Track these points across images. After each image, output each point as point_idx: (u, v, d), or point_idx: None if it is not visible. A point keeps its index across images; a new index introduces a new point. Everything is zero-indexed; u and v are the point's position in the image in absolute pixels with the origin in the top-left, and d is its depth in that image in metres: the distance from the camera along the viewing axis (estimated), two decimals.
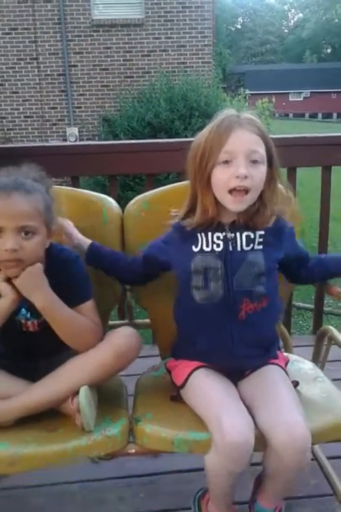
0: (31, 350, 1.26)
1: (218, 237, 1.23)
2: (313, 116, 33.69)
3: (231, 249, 1.22)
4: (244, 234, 1.23)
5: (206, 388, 1.20)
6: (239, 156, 1.16)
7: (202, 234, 1.24)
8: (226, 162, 1.17)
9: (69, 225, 1.40)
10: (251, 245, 1.22)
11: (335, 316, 3.86)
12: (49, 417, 1.20)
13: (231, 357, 1.24)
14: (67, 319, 1.21)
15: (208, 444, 1.11)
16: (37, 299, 1.17)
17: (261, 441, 1.11)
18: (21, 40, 9.22)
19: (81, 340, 1.22)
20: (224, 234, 1.23)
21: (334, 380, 1.38)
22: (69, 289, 1.24)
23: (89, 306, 1.27)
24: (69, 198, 1.54)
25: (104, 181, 6.51)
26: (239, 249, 1.22)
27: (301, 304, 4.07)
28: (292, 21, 55.43)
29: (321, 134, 2.33)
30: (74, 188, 1.69)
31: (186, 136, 7.25)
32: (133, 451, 1.18)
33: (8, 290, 1.17)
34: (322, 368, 1.50)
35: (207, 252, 1.23)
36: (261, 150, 1.18)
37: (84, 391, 1.14)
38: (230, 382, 1.24)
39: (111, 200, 1.55)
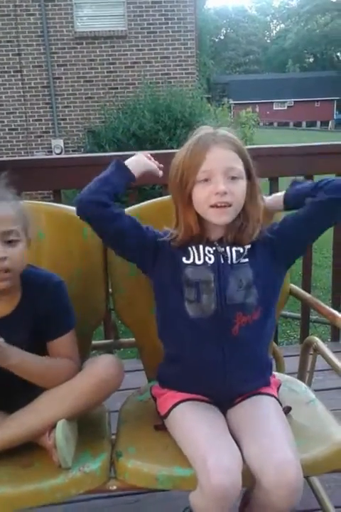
0: (10, 384, 1.17)
1: (209, 251, 1.21)
2: (297, 124, 34.04)
3: (222, 262, 1.20)
4: (234, 249, 1.21)
5: (190, 424, 1.14)
6: (217, 174, 1.15)
7: (193, 247, 1.22)
8: (205, 180, 1.16)
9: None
10: (239, 259, 1.21)
11: (322, 324, 3.84)
12: (25, 449, 1.13)
13: (223, 379, 1.18)
14: (39, 371, 1.15)
15: (194, 481, 1.04)
16: (6, 366, 1.09)
17: (249, 477, 1.04)
18: (5, 52, 9.19)
19: (56, 383, 1.15)
20: (214, 248, 1.21)
21: (321, 390, 1.38)
22: (48, 322, 1.18)
23: (67, 338, 1.21)
24: (48, 213, 1.49)
25: None
26: (229, 262, 1.20)
27: (288, 313, 4.04)
28: (274, 32, 56.04)
29: (304, 143, 2.33)
30: (54, 203, 1.64)
31: (171, 147, 7.25)
32: (114, 487, 1.11)
33: None
34: (309, 380, 1.47)
35: (199, 265, 1.20)
36: (239, 166, 1.18)
37: (61, 426, 1.07)
38: (218, 411, 1.18)
39: None
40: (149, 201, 1.55)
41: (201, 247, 1.21)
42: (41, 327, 1.18)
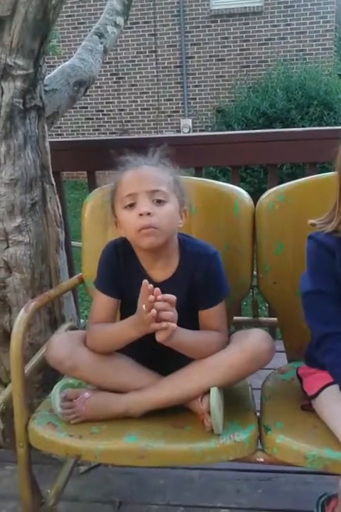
0: (161, 347, 1.22)
1: None
2: None
3: None
4: None
5: None
6: None
7: None
8: None
9: None
10: None
11: None
12: (175, 412, 1.19)
13: None
14: (191, 346, 1.18)
15: None
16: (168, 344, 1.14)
17: None
18: (141, 33, 9.50)
19: (204, 356, 1.19)
20: None
21: None
22: (203, 290, 1.22)
23: (218, 309, 1.24)
24: (199, 188, 1.52)
25: (216, 172, 6.49)
26: None
27: None
28: None
29: None
30: (205, 179, 1.66)
31: (303, 126, 6.96)
32: (261, 460, 1.13)
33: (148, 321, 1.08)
34: None
35: None
36: None
37: (215, 393, 1.11)
38: None
39: (243, 192, 1.50)
40: (301, 179, 1.51)
41: None
42: (195, 295, 1.23)
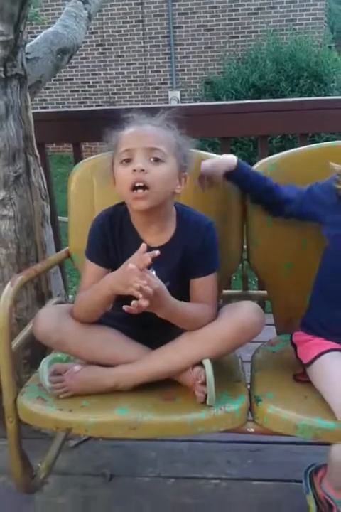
0: (149, 317, 1.20)
1: None
2: None
3: None
4: None
5: (339, 375, 1.11)
6: None
7: None
8: None
9: None
10: None
11: None
12: (165, 385, 1.18)
13: None
14: (182, 317, 1.17)
15: (337, 434, 1.03)
16: (157, 313, 1.13)
17: None
18: (128, 2, 9.25)
19: (194, 327, 1.18)
20: None
21: None
22: (197, 260, 1.21)
23: (209, 280, 1.22)
24: None
25: (204, 145, 6.43)
26: None
27: None
28: None
29: None
30: (194, 150, 1.63)
31: None
32: (252, 430, 1.13)
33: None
34: None
35: None
36: None
37: (209, 364, 1.11)
38: None
39: None
40: (293, 150, 1.49)
41: None
42: (188, 264, 1.21)
